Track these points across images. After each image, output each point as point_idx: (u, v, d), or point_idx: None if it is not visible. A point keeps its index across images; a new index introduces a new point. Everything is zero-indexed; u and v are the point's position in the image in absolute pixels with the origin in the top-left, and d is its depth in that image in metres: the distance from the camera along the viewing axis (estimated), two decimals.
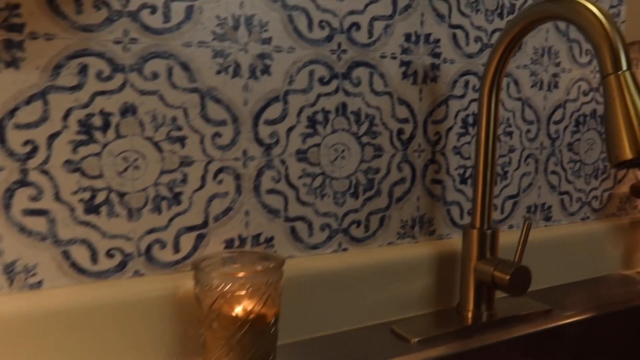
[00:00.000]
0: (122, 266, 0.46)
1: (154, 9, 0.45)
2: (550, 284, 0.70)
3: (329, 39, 0.53)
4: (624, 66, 0.38)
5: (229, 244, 0.51)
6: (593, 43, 0.39)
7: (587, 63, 0.72)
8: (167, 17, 0.45)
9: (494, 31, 0.64)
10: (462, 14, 0.61)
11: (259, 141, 0.51)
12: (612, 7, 0.74)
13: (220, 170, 0.49)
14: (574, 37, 0.70)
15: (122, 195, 0.45)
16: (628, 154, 0.36)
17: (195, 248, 0.49)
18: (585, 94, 0.73)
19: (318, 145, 0.54)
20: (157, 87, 0.46)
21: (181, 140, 0.47)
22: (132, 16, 0.44)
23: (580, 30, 0.41)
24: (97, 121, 0.44)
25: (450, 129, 0.62)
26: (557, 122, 0.71)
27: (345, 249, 0.57)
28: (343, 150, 0.55)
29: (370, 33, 0.56)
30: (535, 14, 0.46)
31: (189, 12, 0.46)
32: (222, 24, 0.48)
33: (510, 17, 0.65)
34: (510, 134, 0.67)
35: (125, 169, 0.45)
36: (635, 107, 0.37)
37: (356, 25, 0.55)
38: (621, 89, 0.37)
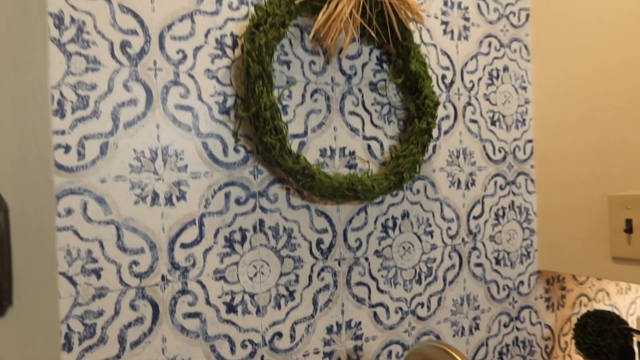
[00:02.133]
0: None
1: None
2: None
3: (251, 355, 0.56)
4: None
5: None
6: None
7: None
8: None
9: (413, 297, 0.68)
10: (381, 291, 0.66)
11: None
12: (524, 239, 0.80)
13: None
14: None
15: None
16: None
17: None
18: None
19: None
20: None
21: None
22: None
23: None
24: None
25: None
26: None
27: None
28: None
29: (292, 337, 0.59)
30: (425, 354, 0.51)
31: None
32: None
33: (429, 279, 0.70)
34: None
35: None
36: None
37: (278, 335, 0.58)
38: None
